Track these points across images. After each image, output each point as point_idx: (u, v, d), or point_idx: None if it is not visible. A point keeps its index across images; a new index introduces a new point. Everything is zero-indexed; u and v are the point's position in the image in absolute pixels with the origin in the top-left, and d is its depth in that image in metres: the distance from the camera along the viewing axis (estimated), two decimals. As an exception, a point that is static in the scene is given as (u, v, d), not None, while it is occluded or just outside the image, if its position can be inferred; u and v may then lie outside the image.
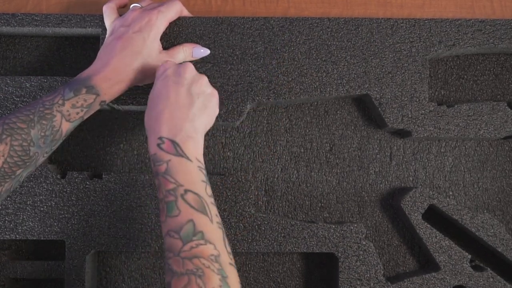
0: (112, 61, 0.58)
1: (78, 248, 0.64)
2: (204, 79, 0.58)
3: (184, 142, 0.53)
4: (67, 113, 0.55)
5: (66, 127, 0.56)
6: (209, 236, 0.50)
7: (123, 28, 0.60)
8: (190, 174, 0.53)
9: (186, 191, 0.51)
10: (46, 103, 0.54)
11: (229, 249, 0.51)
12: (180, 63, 0.60)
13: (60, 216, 0.64)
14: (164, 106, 0.55)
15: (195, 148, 0.54)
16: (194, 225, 0.50)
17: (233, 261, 0.50)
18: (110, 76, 0.58)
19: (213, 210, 0.52)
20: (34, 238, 0.64)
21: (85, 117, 0.57)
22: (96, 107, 0.58)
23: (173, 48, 0.63)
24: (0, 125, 0.52)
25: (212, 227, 0.51)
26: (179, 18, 0.66)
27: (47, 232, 0.64)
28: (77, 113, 0.56)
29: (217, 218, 0.52)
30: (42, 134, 0.54)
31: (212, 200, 0.53)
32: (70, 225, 0.64)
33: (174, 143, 0.53)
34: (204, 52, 0.65)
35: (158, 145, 0.53)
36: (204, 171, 0.54)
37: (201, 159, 0.55)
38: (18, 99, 0.65)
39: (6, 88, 0.65)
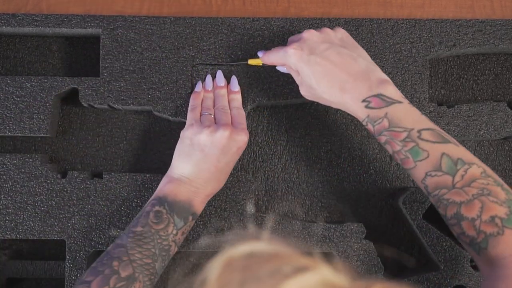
0: (210, 189, 0.60)
1: (78, 248, 0.64)
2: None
3: (384, 88, 0.54)
4: (179, 240, 0.59)
5: (175, 251, 0.59)
6: (467, 158, 0.52)
7: (217, 151, 0.59)
8: (411, 114, 0.54)
9: (419, 131, 0.53)
10: (161, 234, 0.56)
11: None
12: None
13: (61, 216, 0.65)
14: (340, 71, 0.55)
15: (394, 89, 0.55)
16: (449, 156, 0.51)
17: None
18: (206, 200, 0.61)
19: (449, 136, 0.53)
20: (35, 238, 0.64)
21: None
22: None
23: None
24: (128, 263, 0.53)
25: (460, 148, 0.53)
26: (178, 18, 0.66)
27: (47, 232, 0.64)
28: (183, 238, 0.60)
29: (456, 140, 0.53)
30: (163, 264, 0.57)
31: (438, 127, 0.54)
32: (70, 225, 0.64)
33: (378, 96, 0.54)
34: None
35: (367, 106, 0.54)
36: (414, 107, 0.55)
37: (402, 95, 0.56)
38: (18, 99, 0.65)
39: (7, 88, 0.65)
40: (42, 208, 0.65)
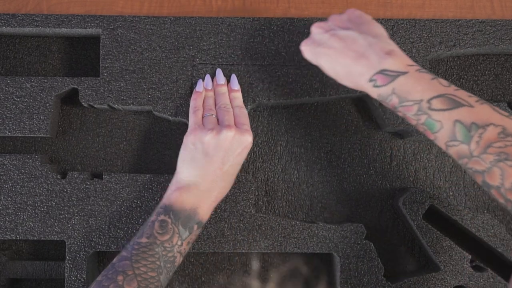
0: (215, 193, 0.60)
1: (78, 248, 0.64)
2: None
3: (386, 62, 0.52)
4: (184, 251, 0.58)
5: (180, 262, 0.58)
6: (482, 120, 0.47)
7: (221, 153, 0.59)
8: (419, 83, 0.50)
9: (428, 101, 0.49)
10: (166, 245, 0.56)
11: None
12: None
13: (61, 216, 0.64)
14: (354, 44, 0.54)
15: (399, 59, 0.52)
16: (462, 122, 0.48)
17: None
18: (212, 206, 0.60)
19: (462, 93, 0.49)
20: (35, 238, 0.64)
21: None
22: None
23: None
24: (133, 277, 0.53)
25: (475, 109, 0.48)
26: (178, 18, 0.66)
27: (47, 232, 0.64)
28: (188, 248, 0.59)
29: (472, 98, 0.49)
30: (168, 276, 0.56)
31: (454, 87, 0.50)
32: (70, 225, 0.64)
33: (382, 72, 0.51)
34: None
35: (374, 85, 0.52)
36: (423, 72, 0.51)
37: (413, 62, 0.53)
38: (18, 99, 0.65)
39: (7, 88, 0.65)
40: (42, 209, 0.64)
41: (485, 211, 0.69)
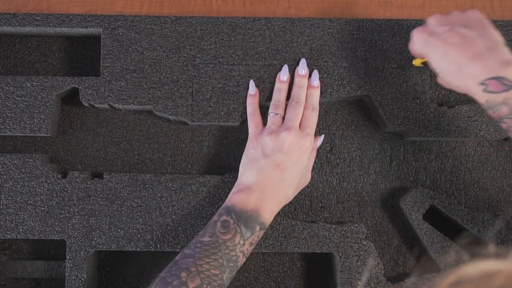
0: (279, 197, 0.59)
1: (78, 248, 0.64)
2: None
3: (505, 71, 0.50)
4: (247, 251, 0.57)
5: (243, 262, 0.57)
6: None
7: (280, 154, 0.59)
8: None
9: None
10: (228, 244, 0.55)
11: None
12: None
13: (61, 216, 0.64)
14: (465, 50, 0.52)
15: None
16: None
17: None
18: (275, 209, 0.60)
19: None
20: (35, 238, 0.64)
21: None
22: None
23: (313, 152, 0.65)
24: (196, 274, 0.53)
25: None
26: (179, 18, 0.66)
27: (47, 232, 0.64)
28: (251, 249, 0.58)
29: None
30: (230, 276, 0.56)
31: None
32: (70, 225, 0.64)
33: (498, 78, 0.50)
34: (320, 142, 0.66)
35: (485, 89, 0.50)
36: None
37: None
38: (19, 99, 0.65)
39: (7, 88, 0.65)
40: (43, 208, 0.64)
41: (485, 211, 0.69)
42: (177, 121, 0.68)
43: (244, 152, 0.62)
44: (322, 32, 0.66)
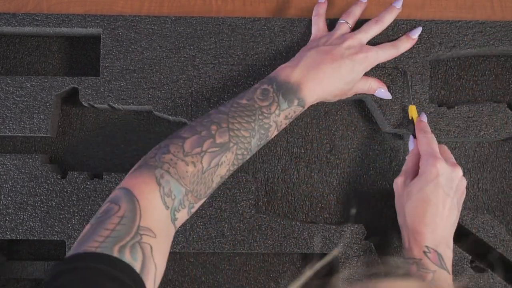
0: (324, 80, 0.58)
1: (78, 248, 0.64)
2: (464, 187, 0.61)
3: (445, 254, 0.57)
4: (280, 123, 0.56)
5: (273, 135, 0.57)
6: None
7: (339, 48, 0.60)
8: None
9: None
10: (264, 111, 0.55)
11: None
12: (452, 169, 0.60)
13: (61, 216, 0.64)
14: (432, 215, 0.57)
15: (450, 260, 0.58)
16: None
17: None
18: (317, 91, 0.58)
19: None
20: (35, 238, 0.64)
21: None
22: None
23: (364, 77, 0.64)
24: (226, 130, 0.52)
25: None
26: (179, 18, 0.66)
27: (47, 232, 0.64)
28: (285, 123, 0.57)
29: None
30: (259, 143, 0.55)
31: None
32: (70, 225, 0.64)
33: (438, 254, 0.56)
34: (386, 95, 0.65)
35: (425, 252, 0.56)
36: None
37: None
38: (18, 99, 0.65)
39: (7, 88, 0.65)
40: (42, 209, 0.64)
41: (485, 212, 0.69)
42: (177, 121, 0.68)
43: (308, 46, 0.63)
44: (322, 33, 0.66)
